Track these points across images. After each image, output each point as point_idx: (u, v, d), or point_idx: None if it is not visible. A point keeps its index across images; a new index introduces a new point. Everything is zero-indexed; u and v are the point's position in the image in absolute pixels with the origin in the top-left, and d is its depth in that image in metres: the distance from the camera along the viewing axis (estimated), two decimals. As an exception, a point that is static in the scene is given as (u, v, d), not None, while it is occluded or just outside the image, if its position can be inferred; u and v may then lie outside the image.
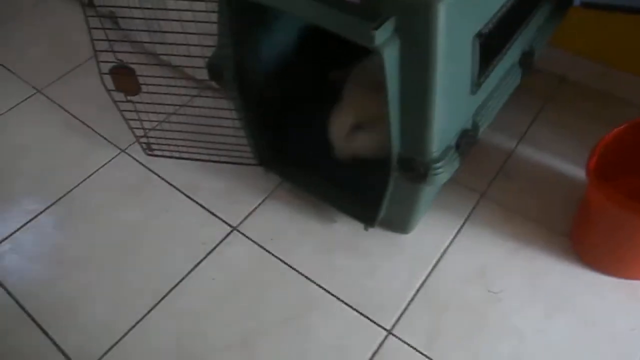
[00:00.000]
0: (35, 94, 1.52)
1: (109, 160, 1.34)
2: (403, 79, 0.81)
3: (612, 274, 1.07)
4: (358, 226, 1.15)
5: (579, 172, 1.23)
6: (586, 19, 1.27)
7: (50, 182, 1.30)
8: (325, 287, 1.09)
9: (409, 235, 1.15)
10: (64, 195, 1.27)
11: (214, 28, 0.98)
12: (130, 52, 1.10)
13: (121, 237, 1.19)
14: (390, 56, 0.77)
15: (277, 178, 1.26)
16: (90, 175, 1.31)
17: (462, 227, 1.17)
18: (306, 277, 1.11)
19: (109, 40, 1.01)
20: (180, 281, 1.11)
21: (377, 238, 1.15)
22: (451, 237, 1.15)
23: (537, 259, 1.11)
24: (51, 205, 1.26)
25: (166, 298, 1.09)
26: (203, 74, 1.07)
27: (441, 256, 1.12)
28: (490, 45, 0.90)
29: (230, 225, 1.20)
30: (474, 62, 0.86)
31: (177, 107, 1.16)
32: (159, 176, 1.30)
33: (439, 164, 0.88)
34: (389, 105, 0.82)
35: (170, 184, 1.28)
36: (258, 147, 1.18)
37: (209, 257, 1.15)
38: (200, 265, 1.13)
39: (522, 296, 1.06)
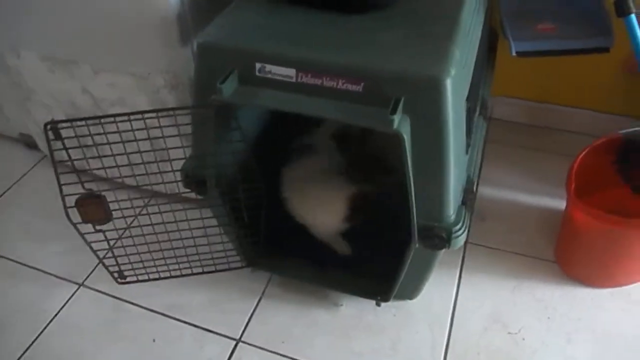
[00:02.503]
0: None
1: (69, 299, 1.18)
2: (415, 154, 0.82)
3: (604, 286, 1.15)
4: (365, 304, 1.13)
5: (540, 200, 1.33)
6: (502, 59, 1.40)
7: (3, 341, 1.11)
8: (356, 376, 1.04)
9: (415, 299, 1.14)
10: (25, 352, 1.09)
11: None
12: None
13: (113, 385, 1.04)
14: (406, 135, 0.79)
15: (263, 276, 1.20)
16: (51, 320, 1.14)
17: (460, 278, 1.19)
18: (334, 371, 1.05)
19: (76, 171, 0.91)
20: (200, 416, 0.99)
21: (386, 311, 1.13)
22: (454, 290, 1.17)
23: (537, 289, 1.16)
24: (12, 369, 1.07)
25: None
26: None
27: (453, 311, 1.13)
28: (468, 106, 0.95)
29: (232, 339, 1.10)
30: (465, 124, 0.91)
31: (142, 226, 1.05)
32: (132, 303, 1.17)
33: (458, 226, 0.89)
34: (409, 183, 0.83)
35: (149, 309, 1.16)
36: (245, 248, 1.11)
37: (222, 379, 1.04)
38: (217, 391, 1.02)
39: (540, 329, 1.09)
